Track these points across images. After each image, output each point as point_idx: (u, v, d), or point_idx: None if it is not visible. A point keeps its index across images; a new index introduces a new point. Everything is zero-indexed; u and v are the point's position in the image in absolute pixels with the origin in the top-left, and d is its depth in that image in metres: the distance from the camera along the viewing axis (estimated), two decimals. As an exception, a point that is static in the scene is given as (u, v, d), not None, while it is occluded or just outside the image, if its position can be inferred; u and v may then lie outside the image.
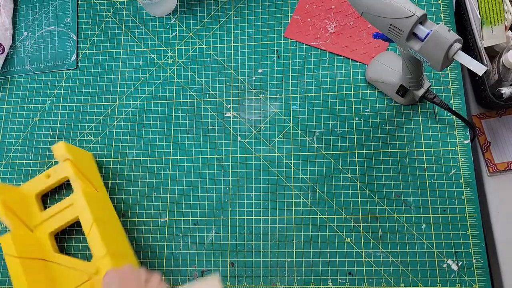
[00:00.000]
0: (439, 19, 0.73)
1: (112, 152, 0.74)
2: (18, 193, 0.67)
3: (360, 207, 0.66)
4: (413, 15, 0.49)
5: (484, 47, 0.66)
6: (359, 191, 0.67)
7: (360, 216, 0.66)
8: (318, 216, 0.67)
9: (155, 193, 0.71)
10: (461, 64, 0.70)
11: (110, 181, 0.73)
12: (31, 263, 0.61)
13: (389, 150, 0.68)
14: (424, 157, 0.67)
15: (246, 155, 0.71)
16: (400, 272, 0.63)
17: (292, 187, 0.69)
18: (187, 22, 0.80)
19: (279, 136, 0.71)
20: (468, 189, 0.65)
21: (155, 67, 0.78)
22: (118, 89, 0.77)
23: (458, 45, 0.49)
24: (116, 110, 0.76)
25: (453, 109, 0.67)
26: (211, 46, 0.78)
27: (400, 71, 0.65)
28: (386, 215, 0.66)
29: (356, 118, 0.70)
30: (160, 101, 0.76)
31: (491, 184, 0.68)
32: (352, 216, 0.66)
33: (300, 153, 0.70)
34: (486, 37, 0.66)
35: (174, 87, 0.76)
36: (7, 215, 0.62)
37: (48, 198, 0.73)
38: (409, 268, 0.63)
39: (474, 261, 0.63)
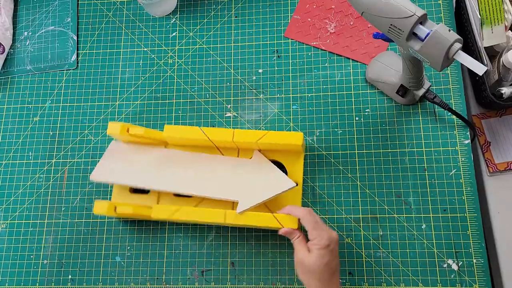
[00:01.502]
0: (439, 19, 0.73)
1: (112, 152, 0.74)
2: None
3: (360, 207, 0.66)
4: (413, 15, 0.49)
5: (484, 47, 0.66)
6: (359, 191, 0.67)
7: (360, 216, 0.66)
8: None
9: (155, 193, 0.71)
10: (461, 64, 0.70)
11: (110, 181, 0.73)
12: None
13: (389, 150, 0.68)
14: (424, 157, 0.67)
15: (246, 155, 0.71)
16: (400, 272, 0.63)
17: (292, 187, 0.69)
18: (187, 22, 0.80)
19: (279, 136, 0.71)
20: (468, 189, 0.65)
21: (155, 67, 0.78)
22: (118, 89, 0.77)
23: (458, 45, 0.49)
24: (116, 110, 0.76)
25: (453, 109, 0.67)
26: (211, 46, 0.78)
27: (400, 71, 0.65)
28: (386, 215, 0.66)
29: (356, 118, 0.70)
30: (160, 101, 0.76)
31: (491, 184, 0.68)
32: (352, 216, 0.66)
33: (300, 153, 0.70)
34: (486, 37, 0.66)
35: (174, 87, 0.76)
36: None
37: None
38: (409, 268, 0.63)
39: (474, 261, 0.63)
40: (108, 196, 0.72)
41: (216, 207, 0.65)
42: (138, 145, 0.69)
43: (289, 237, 0.58)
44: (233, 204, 0.66)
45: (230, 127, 0.73)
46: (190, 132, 0.65)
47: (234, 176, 0.65)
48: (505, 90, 0.64)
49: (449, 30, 0.49)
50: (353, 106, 0.71)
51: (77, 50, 0.81)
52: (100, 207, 0.65)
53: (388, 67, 0.68)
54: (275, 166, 0.65)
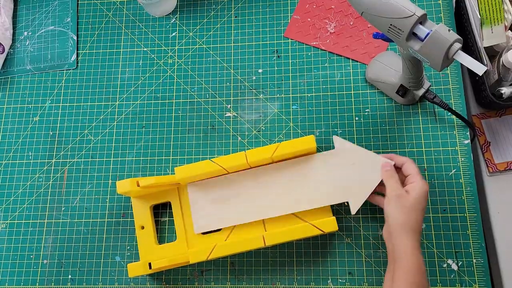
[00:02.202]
0: (439, 19, 0.73)
1: (112, 152, 0.74)
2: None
3: (360, 207, 0.66)
4: (413, 15, 0.49)
5: (484, 47, 0.66)
6: (359, 191, 0.67)
7: (360, 216, 0.66)
8: (318, 216, 0.67)
9: (155, 193, 0.71)
10: (461, 64, 0.70)
11: (110, 181, 0.73)
12: None
13: (389, 150, 0.68)
14: (424, 157, 0.67)
15: (246, 155, 0.71)
16: (400, 272, 0.63)
17: (292, 187, 0.68)
18: (187, 22, 0.80)
19: (279, 136, 0.71)
20: (468, 189, 0.65)
21: (155, 67, 0.78)
22: (118, 89, 0.77)
23: (458, 45, 0.49)
24: (116, 110, 0.76)
25: (453, 109, 0.67)
26: (211, 46, 0.78)
27: (400, 71, 0.65)
28: (386, 215, 0.66)
29: (356, 118, 0.70)
30: (160, 101, 0.76)
31: (491, 184, 0.68)
32: (352, 216, 0.66)
33: (300, 153, 0.70)
34: (486, 37, 0.66)
35: (174, 87, 0.76)
36: None
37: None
38: (409, 268, 0.63)
39: (474, 261, 0.63)
40: (112, 196, 0.72)
41: (251, 227, 0.64)
42: (205, 180, 0.66)
43: (384, 168, 0.58)
44: (264, 224, 0.64)
45: (230, 127, 0.73)
46: (202, 167, 0.63)
47: (323, 176, 0.62)
48: (505, 90, 0.64)
49: (449, 30, 0.49)
50: (353, 106, 0.71)
51: (77, 50, 0.81)
52: (134, 270, 0.63)
53: (388, 67, 0.68)
54: (360, 147, 0.61)
